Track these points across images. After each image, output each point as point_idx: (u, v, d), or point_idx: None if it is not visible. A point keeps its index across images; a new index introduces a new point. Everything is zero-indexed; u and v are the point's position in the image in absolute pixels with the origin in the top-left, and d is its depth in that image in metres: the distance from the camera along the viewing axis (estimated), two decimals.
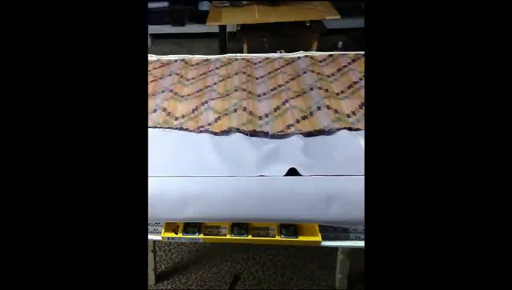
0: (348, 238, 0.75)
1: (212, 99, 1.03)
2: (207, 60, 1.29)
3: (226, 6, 2.69)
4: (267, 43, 2.75)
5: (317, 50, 2.42)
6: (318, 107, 0.97)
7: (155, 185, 0.71)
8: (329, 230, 0.76)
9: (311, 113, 0.95)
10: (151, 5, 3.03)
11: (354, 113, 0.95)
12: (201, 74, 1.19)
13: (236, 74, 1.18)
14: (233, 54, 1.32)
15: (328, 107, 0.97)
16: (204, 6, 3.16)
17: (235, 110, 0.97)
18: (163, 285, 1.38)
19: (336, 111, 0.96)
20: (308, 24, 2.52)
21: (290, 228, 0.75)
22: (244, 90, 1.08)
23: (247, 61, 1.27)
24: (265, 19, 2.35)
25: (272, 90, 1.09)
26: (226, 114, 0.96)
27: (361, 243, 0.74)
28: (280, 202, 0.70)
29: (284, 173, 0.74)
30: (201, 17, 2.96)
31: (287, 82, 1.12)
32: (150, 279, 1.36)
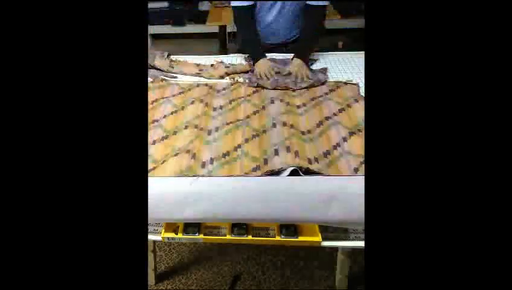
0: (348, 238, 0.75)
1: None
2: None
3: (226, 6, 2.69)
4: None
5: (317, 50, 2.41)
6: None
7: (155, 185, 0.71)
8: (329, 230, 0.76)
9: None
10: (151, 5, 3.03)
11: (316, 160, 0.86)
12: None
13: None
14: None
15: (288, 150, 0.86)
16: (204, 6, 3.17)
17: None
18: (163, 285, 1.38)
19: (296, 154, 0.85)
20: None
21: (290, 228, 0.75)
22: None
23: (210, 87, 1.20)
24: None
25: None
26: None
27: (361, 243, 0.74)
28: (280, 202, 0.70)
29: (287, 174, 0.75)
30: (201, 17, 2.97)
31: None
32: (150, 279, 1.36)
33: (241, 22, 1.35)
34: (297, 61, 1.25)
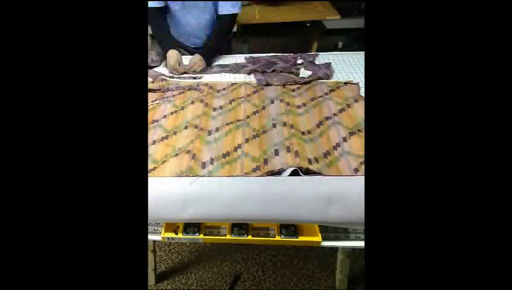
0: (348, 238, 0.75)
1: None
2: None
3: None
4: (267, 43, 2.75)
5: (317, 50, 2.42)
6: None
7: (155, 185, 0.71)
8: (329, 230, 0.76)
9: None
10: (151, 5, 3.02)
11: (316, 160, 0.86)
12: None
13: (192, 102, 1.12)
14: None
15: (288, 150, 0.86)
16: None
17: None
18: (163, 285, 1.38)
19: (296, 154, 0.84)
20: (308, 24, 2.52)
21: (290, 228, 0.75)
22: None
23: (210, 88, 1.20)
24: (265, 19, 2.35)
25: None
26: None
27: (361, 243, 0.74)
28: (280, 202, 0.70)
29: (288, 175, 0.75)
30: None
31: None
32: (150, 279, 1.37)
33: (154, 22, 1.43)
34: (197, 56, 1.33)
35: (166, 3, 1.40)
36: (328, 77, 1.25)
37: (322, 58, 1.40)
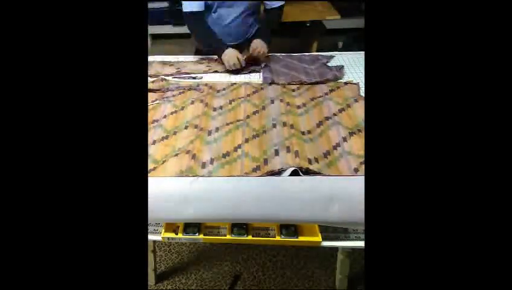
0: (348, 238, 0.75)
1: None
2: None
3: None
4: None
5: (317, 50, 2.42)
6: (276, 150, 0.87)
7: (155, 185, 0.71)
8: (329, 230, 0.76)
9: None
10: (151, 5, 3.03)
11: (316, 160, 0.86)
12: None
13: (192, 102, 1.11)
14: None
15: (288, 150, 0.86)
16: None
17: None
18: (163, 285, 1.38)
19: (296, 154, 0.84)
20: (308, 24, 2.52)
21: (290, 228, 0.75)
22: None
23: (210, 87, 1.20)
24: None
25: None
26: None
27: (361, 243, 0.74)
28: (280, 202, 0.70)
29: (288, 175, 0.75)
30: None
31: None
32: (150, 279, 1.36)
33: (197, 25, 1.41)
34: (258, 41, 1.33)
35: (210, 3, 1.38)
36: (338, 79, 1.23)
37: (322, 58, 1.40)
